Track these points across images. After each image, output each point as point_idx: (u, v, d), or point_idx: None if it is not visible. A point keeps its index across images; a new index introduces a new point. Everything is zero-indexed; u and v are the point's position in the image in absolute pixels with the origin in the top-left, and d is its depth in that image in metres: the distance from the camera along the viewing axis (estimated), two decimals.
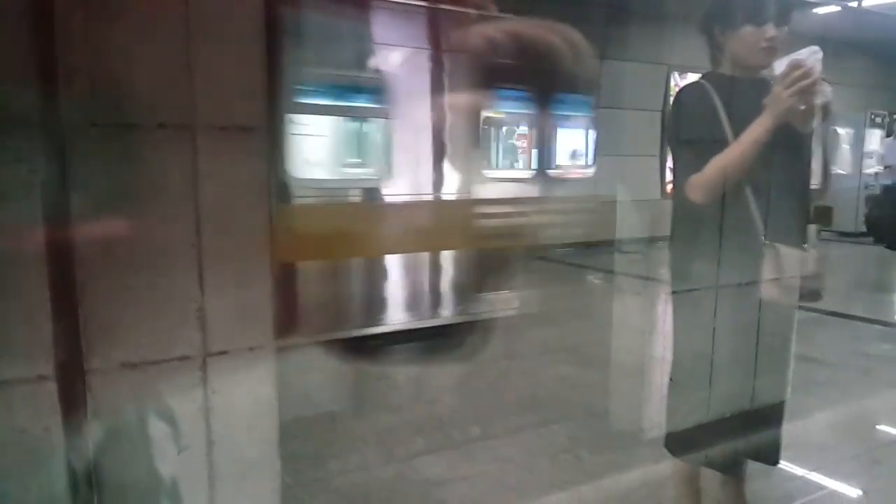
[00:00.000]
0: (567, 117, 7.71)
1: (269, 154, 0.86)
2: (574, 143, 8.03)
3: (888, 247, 7.59)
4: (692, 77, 1.86)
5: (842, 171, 9.16)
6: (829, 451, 2.69)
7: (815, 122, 1.60)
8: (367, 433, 2.85)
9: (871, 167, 9.64)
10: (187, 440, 0.84)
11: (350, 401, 3.28)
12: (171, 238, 0.81)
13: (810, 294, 1.69)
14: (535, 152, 7.38)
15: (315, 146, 4.35)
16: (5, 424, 0.75)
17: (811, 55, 1.54)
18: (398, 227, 1.54)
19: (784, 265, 1.65)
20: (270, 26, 0.83)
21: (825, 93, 1.55)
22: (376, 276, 3.88)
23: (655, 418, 2.22)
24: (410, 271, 3.91)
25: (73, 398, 0.77)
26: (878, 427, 3.10)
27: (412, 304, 3.96)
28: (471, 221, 1.91)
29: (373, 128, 4.44)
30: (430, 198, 3.52)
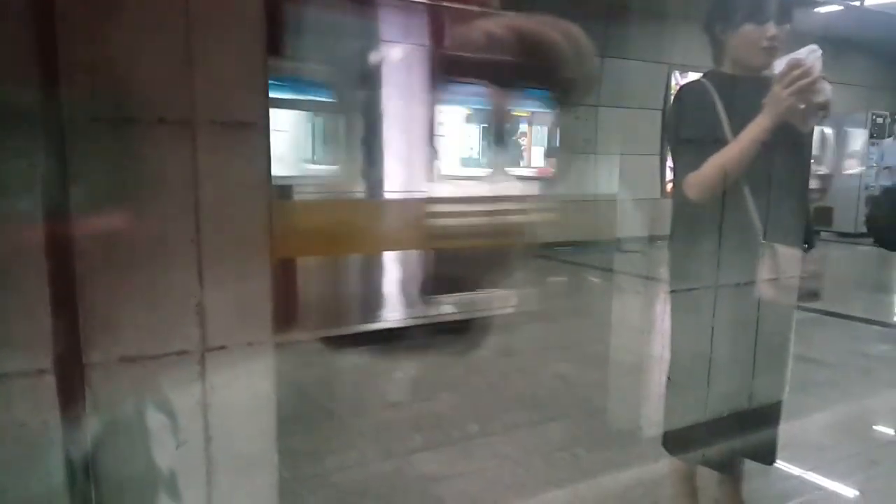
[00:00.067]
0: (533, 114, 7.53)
1: (268, 149, 0.86)
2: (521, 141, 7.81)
3: (888, 247, 7.60)
4: (693, 76, 1.86)
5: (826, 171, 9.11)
6: (827, 450, 2.69)
7: (815, 121, 1.60)
8: (366, 430, 2.86)
9: (854, 168, 9.57)
10: (185, 434, 0.84)
11: (343, 399, 3.29)
12: (171, 232, 0.81)
13: (809, 294, 1.69)
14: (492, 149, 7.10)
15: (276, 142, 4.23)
16: (4, 418, 0.75)
17: (810, 54, 1.53)
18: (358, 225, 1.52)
19: (783, 265, 1.65)
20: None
21: (825, 91, 1.55)
22: (350, 274, 3.87)
23: (653, 417, 2.23)
24: (378, 268, 3.89)
25: (71, 392, 0.77)
26: (875, 427, 3.10)
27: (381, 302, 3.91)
28: (423, 221, 1.90)
29: (331, 123, 4.32)
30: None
